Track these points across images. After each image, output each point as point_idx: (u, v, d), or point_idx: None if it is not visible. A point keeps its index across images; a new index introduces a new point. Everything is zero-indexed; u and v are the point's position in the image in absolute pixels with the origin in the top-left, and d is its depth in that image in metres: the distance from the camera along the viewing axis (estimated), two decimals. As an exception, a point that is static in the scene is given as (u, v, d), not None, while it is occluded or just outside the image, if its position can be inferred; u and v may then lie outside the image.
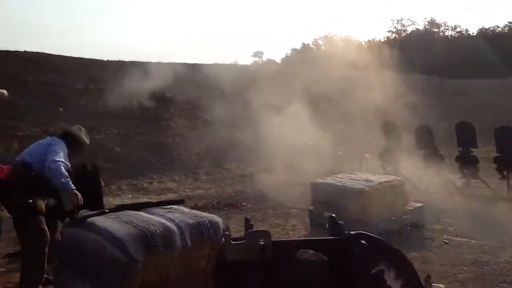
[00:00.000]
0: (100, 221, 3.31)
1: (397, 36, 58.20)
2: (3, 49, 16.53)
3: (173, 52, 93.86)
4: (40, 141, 4.43)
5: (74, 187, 3.90)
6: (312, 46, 58.61)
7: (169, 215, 3.38)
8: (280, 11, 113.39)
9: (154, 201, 4.75)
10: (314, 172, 8.99)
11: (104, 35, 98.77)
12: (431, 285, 3.51)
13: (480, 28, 55.68)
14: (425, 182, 9.35)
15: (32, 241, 3.95)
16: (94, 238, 3.16)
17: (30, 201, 3.90)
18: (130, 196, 9.72)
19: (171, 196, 9.65)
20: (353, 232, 2.32)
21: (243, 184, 11.16)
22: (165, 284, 3.02)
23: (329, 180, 6.64)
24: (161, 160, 12.63)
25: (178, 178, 11.55)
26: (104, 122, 13.74)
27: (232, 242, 2.30)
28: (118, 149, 12.62)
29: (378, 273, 2.33)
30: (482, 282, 4.57)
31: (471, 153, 9.65)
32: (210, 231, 3.25)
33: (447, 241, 5.95)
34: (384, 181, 6.29)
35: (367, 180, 6.25)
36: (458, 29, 57.90)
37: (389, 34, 59.85)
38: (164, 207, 3.72)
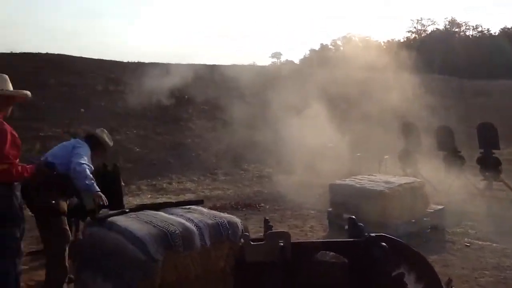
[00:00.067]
0: (121, 220, 3.34)
1: (416, 36, 57.56)
2: (25, 51, 16.88)
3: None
4: (64, 143, 4.51)
5: (99, 189, 3.95)
6: (331, 46, 58.41)
7: (188, 215, 3.39)
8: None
9: (173, 201, 4.79)
10: (332, 173, 8.96)
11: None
12: (452, 288, 3.46)
13: (502, 27, 54.77)
14: (445, 184, 9.22)
15: (55, 241, 4.02)
16: (115, 237, 3.19)
17: (53, 202, 3.97)
18: (149, 196, 9.80)
19: (189, 196, 9.70)
20: (373, 234, 2.31)
21: (261, 185, 11.16)
22: (184, 283, 3.03)
23: (348, 181, 6.60)
24: (180, 160, 12.72)
25: (196, 179, 11.61)
26: (124, 122, 13.91)
27: (252, 243, 2.30)
28: (137, 150, 12.76)
29: (399, 275, 2.31)
30: (504, 286, 4.49)
31: (493, 155, 9.48)
32: (229, 231, 3.25)
33: (468, 244, 5.86)
34: (404, 183, 6.22)
35: (386, 182, 6.19)
36: (480, 29, 57.04)
37: (408, 34, 59.29)
38: (184, 207, 3.73)
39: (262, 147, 12.34)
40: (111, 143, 4.66)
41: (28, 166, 3.49)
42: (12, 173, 3.30)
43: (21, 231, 3.49)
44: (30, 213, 4.21)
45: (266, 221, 2.75)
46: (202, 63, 18.95)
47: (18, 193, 3.48)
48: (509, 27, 53.80)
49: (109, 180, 4.92)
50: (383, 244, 2.21)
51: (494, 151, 9.52)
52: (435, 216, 6.31)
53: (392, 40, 52.98)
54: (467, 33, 57.34)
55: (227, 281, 3.03)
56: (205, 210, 3.68)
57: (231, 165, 12.78)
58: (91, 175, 3.97)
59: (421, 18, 61.32)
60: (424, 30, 58.60)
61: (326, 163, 9.94)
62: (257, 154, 12.62)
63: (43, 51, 17.28)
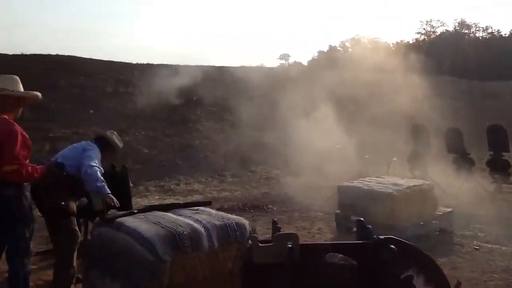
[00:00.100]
0: (129, 221, 3.36)
1: (426, 37, 57.26)
2: (36, 53, 17.00)
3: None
4: (75, 144, 4.54)
5: (109, 191, 3.98)
6: (339, 48, 58.30)
7: (197, 216, 3.39)
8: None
9: (181, 202, 4.79)
10: (340, 175, 8.92)
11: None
12: (461, 292, 3.43)
13: (512, 29, 54.31)
14: (454, 186, 9.16)
15: (64, 242, 4.05)
16: (123, 238, 3.20)
17: (63, 203, 4.00)
18: (157, 197, 9.84)
19: (197, 197, 9.71)
20: (382, 237, 2.30)
21: (269, 187, 11.15)
22: (192, 284, 3.03)
23: (356, 183, 6.58)
24: (188, 162, 12.75)
25: (204, 180, 11.63)
26: (132, 124, 13.97)
27: (260, 244, 2.30)
28: (146, 151, 12.80)
29: (408, 278, 2.30)
30: (514, 290, 4.46)
31: (503, 157, 9.41)
32: (237, 233, 3.25)
33: (477, 248, 5.82)
34: (413, 185, 6.19)
35: (395, 184, 6.17)
36: (490, 30, 56.62)
37: (417, 36, 59.00)
38: (192, 208, 3.74)
39: (270, 149, 12.35)
40: (121, 145, 4.68)
41: (38, 167, 3.52)
42: (22, 174, 3.33)
43: (30, 231, 3.53)
44: (39, 213, 4.25)
45: (274, 223, 2.75)
46: (202, 63, 19.03)
47: (28, 194, 3.52)
48: (520, 28, 53.30)
49: (118, 181, 4.94)
50: (392, 246, 2.20)
51: (503, 153, 9.45)
52: (443, 219, 6.28)
53: (401, 41, 52.80)
54: (477, 35, 56.97)
55: (235, 283, 3.03)
56: (213, 211, 3.68)
57: (238, 166, 12.79)
58: (102, 178, 3.99)
59: (430, 19, 61.06)
60: (434, 32, 58.30)
61: (334, 165, 9.91)
62: (265, 156, 12.62)
63: (53, 53, 17.42)
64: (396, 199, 5.80)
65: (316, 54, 64.84)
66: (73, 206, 4.16)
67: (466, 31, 57.10)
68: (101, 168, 4.14)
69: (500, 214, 7.49)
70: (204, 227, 3.16)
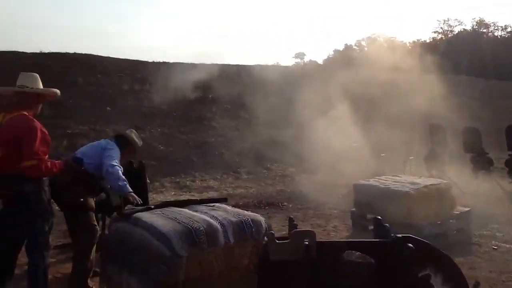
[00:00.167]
0: (146, 216, 3.39)
1: (443, 37, 56.57)
2: (55, 51, 17.21)
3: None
4: (94, 143, 4.61)
5: (131, 190, 4.02)
6: (355, 47, 57.90)
7: (213, 212, 3.41)
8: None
9: (198, 198, 4.81)
10: (356, 173, 8.88)
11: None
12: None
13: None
14: (472, 186, 9.04)
15: (83, 237, 4.11)
16: (140, 233, 3.23)
17: (82, 199, 4.06)
18: (173, 193, 9.90)
19: (212, 194, 9.77)
20: (399, 235, 2.28)
21: (284, 184, 11.15)
22: (208, 280, 3.05)
23: (372, 182, 6.53)
24: (204, 158, 12.80)
25: (219, 177, 11.67)
26: (149, 121, 14.09)
27: (277, 241, 2.30)
28: (162, 148, 12.90)
29: (425, 277, 2.28)
30: (533, 291, 4.39)
31: (522, 157, 9.27)
32: (253, 229, 3.26)
33: (496, 248, 5.74)
34: (430, 184, 6.11)
35: (412, 183, 6.10)
36: (509, 29, 55.67)
37: (434, 35, 58.32)
38: (208, 204, 3.77)
39: (285, 147, 12.33)
40: (140, 143, 4.73)
41: (56, 162, 3.57)
42: (41, 169, 3.38)
43: (49, 226, 3.58)
44: (57, 207, 4.31)
45: (290, 220, 2.75)
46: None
47: (47, 188, 3.57)
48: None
49: (135, 177, 4.98)
50: (410, 245, 2.18)
51: (523, 153, 9.31)
52: (461, 218, 6.18)
53: (418, 40, 52.20)
54: (496, 34, 56.08)
55: (250, 279, 3.04)
56: (229, 208, 3.70)
57: (254, 164, 12.80)
58: (123, 176, 4.04)
59: (447, 18, 60.20)
60: (451, 31, 57.55)
61: (350, 163, 9.86)
62: (280, 153, 12.61)
63: (71, 51, 17.61)
64: (413, 198, 5.73)
65: (332, 52, 64.45)
66: (91, 201, 4.22)
67: (485, 30, 56.25)
68: (121, 167, 4.19)
69: (519, 214, 7.36)
70: (220, 223, 3.18)
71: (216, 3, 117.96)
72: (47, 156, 3.48)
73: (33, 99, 3.62)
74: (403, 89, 13.78)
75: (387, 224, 2.45)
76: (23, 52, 16.19)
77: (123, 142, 4.50)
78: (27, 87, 3.57)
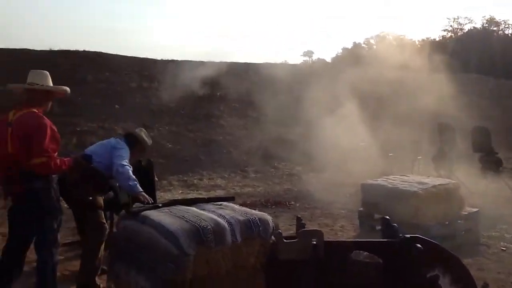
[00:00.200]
0: (154, 214, 3.40)
1: (453, 35, 56.14)
2: (65, 49, 17.29)
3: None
4: (103, 141, 4.62)
5: (141, 189, 4.03)
6: (364, 45, 57.66)
7: (220, 211, 3.41)
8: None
9: (205, 197, 4.82)
10: (364, 173, 8.85)
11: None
12: (488, 293, 3.37)
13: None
14: (481, 186, 8.98)
15: (91, 235, 4.13)
16: (148, 231, 3.24)
17: (90, 198, 4.08)
18: (180, 191, 9.93)
19: (220, 192, 9.78)
20: (408, 235, 2.28)
21: (291, 183, 11.13)
22: (215, 278, 3.05)
23: (380, 181, 6.50)
24: (211, 157, 12.82)
25: (227, 175, 11.68)
26: (157, 119, 14.13)
27: (284, 240, 2.30)
28: (169, 146, 12.93)
29: (434, 277, 2.27)
30: (542, 292, 4.35)
31: (533, 158, 9.18)
32: (260, 228, 3.25)
33: (504, 249, 5.70)
34: (439, 184, 6.07)
35: (420, 183, 6.06)
36: (520, 27, 55.11)
37: (444, 33, 57.89)
38: (215, 203, 3.76)
39: (293, 145, 12.31)
40: (150, 142, 4.74)
41: (65, 159, 3.60)
42: (50, 166, 3.40)
43: (58, 223, 3.61)
44: (66, 205, 4.34)
45: (298, 219, 2.75)
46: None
47: (56, 186, 3.59)
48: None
49: (143, 175, 5.00)
50: (418, 245, 2.17)
51: (533, 153, 9.22)
52: (469, 219, 6.15)
53: (427, 39, 51.82)
54: (506, 32, 55.55)
55: (257, 278, 3.03)
56: (236, 206, 3.69)
57: (261, 162, 12.80)
58: (133, 176, 4.06)
59: (457, 16, 59.70)
60: (461, 29, 57.07)
61: (358, 162, 9.84)
62: (287, 152, 12.59)
63: (81, 49, 17.68)
64: (421, 198, 5.70)
65: (340, 51, 64.21)
66: (100, 199, 4.24)
67: (495, 28, 55.74)
68: (131, 166, 4.20)
69: (528, 215, 7.30)
70: (228, 222, 3.17)
71: (216, 3, 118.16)
72: (56, 154, 3.51)
73: (43, 97, 3.64)
74: (412, 88, 13.72)
75: (395, 224, 2.44)
76: (33, 50, 16.28)
77: (132, 141, 4.52)
78: (37, 84, 3.59)
